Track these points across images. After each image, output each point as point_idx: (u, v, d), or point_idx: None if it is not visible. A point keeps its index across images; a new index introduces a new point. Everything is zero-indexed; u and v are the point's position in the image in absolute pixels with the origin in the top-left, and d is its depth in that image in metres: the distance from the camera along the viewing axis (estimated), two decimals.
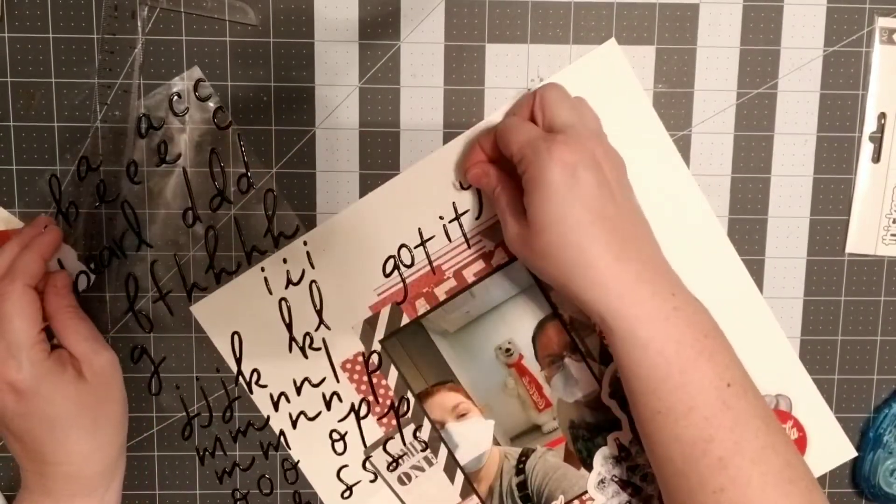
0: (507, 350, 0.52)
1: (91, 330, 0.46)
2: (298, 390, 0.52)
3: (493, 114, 0.50)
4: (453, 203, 0.50)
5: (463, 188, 0.50)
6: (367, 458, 0.53)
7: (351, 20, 0.49)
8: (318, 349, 0.51)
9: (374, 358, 0.52)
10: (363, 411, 0.52)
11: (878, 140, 0.51)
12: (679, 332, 0.42)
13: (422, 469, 0.53)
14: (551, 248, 0.42)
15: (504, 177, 0.47)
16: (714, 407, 0.41)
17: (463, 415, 0.53)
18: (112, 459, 0.46)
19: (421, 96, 0.49)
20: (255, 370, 0.51)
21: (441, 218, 0.50)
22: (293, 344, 0.51)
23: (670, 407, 0.42)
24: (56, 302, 0.46)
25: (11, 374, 0.43)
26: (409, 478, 0.53)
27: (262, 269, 0.50)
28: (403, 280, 0.51)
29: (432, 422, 0.53)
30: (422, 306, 0.51)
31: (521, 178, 0.44)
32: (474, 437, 0.53)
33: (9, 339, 0.43)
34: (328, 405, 0.52)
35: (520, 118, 0.46)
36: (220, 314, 0.51)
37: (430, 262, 0.51)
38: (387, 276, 0.51)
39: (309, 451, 0.52)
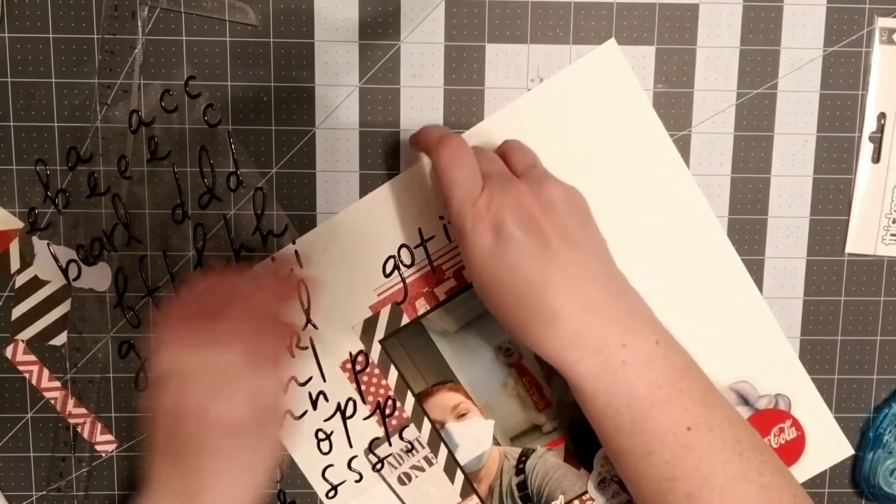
0: (507, 350, 0.52)
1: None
2: (284, 389, 0.51)
3: (493, 114, 0.50)
4: None
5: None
6: (368, 457, 0.53)
7: (351, 20, 0.49)
8: (305, 348, 0.51)
9: (374, 358, 0.52)
10: (362, 411, 0.52)
11: (877, 140, 0.51)
12: (628, 387, 0.41)
13: (422, 469, 0.53)
14: (492, 308, 0.43)
15: None
16: (674, 451, 0.41)
17: (463, 415, 0.53)
18: None
19: (421, 96, 0.49)
20: None
21: (441, 218, 0.50)
22: None
23: (630, 450, 0.42)
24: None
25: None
26: (409, 478, 0.53)
27: (251, 268, 0.50)
28: (403, 280, 0.51)
29: (432, 422, 0.53)
30: (422, 306, 0.51)
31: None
32: (474, 437, 0.53)
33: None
34: (314, 404, 0.52)
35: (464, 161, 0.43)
36: None
37: (431, 262, 0.51)
38: (387, 276, 0.51)
39: (297, 449, 0.52)
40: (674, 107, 0.50)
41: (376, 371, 0.52)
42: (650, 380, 0.41)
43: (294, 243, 0.50)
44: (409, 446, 0.53)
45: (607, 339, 0.41)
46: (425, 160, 0.50)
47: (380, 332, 0.52)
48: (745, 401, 0.52)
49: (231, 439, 0.40)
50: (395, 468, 0.53)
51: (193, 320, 0.41)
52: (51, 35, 0.48)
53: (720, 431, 0.42)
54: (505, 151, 0.46)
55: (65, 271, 0.50)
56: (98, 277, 0.50)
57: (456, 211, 0.42)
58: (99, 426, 0.52)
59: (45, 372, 0.51)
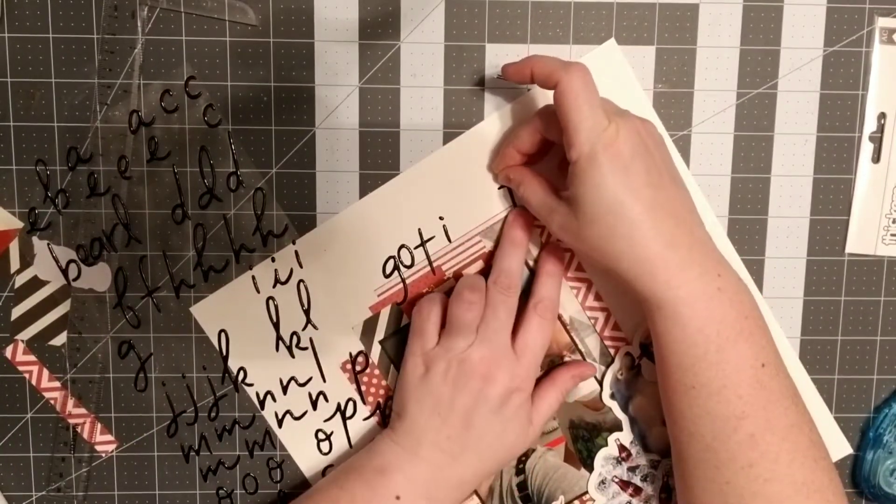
0: None
1: None
2: (284, 389, 0.52)
3: (493, 114, 0.50)
4: (453, 203, 0.50)
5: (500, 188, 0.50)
6: None
7: (351, 20, 0.49)
8: (305, 348, 0.51)
9: (374, 358, 0.52)
10: (362, 412, 0.52)
11: (877, 140, 0.51)
12: (721, 313, 0.43)
13: None
14: (601, 239, 0.43)
15: (527, 174, 0.47)
16: (748, 385, 0.43)
17: None
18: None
19: (421, 96, 0.49)
20: (241, 368, 0.51)
21: (441, 218, 0.50)
22: (280, 343, 0.51)
23: (704, 383, 0.43)
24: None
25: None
26: None
27: (251, 268, 0.50)
28: (403, 280, 0.51)
29: None
30: None
31: (571, 165, 0.43)
32: None
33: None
34: (314, 405, 0.52)
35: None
36: (216, 314, 0.51)
37: (430, 263, 0.51)
38: (387, 276, 0.51)
39: (297, 449, 0.52)
40: (674, 107, 0.50)
41: (376, 371, 0.52)
42: (739, 309, 0.43)
43: (294, 243, 0.50)
44: None
45: (707, 266, 0.43)
46: (426, 160, 0.50)
47: (380, 333, 0.52)
48: None
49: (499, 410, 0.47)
50: None
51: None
52: (51, 35, 0.48)
53: (783, 378, 0.44)
54: None
55: (65, 271, 0.50)
56: (98, 277, 0.50)
57: (584, 137, 0.42)
58: (99, 426, 0.52)
59: (45, 372, 0.51)
